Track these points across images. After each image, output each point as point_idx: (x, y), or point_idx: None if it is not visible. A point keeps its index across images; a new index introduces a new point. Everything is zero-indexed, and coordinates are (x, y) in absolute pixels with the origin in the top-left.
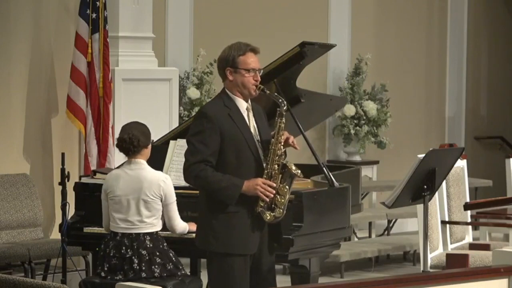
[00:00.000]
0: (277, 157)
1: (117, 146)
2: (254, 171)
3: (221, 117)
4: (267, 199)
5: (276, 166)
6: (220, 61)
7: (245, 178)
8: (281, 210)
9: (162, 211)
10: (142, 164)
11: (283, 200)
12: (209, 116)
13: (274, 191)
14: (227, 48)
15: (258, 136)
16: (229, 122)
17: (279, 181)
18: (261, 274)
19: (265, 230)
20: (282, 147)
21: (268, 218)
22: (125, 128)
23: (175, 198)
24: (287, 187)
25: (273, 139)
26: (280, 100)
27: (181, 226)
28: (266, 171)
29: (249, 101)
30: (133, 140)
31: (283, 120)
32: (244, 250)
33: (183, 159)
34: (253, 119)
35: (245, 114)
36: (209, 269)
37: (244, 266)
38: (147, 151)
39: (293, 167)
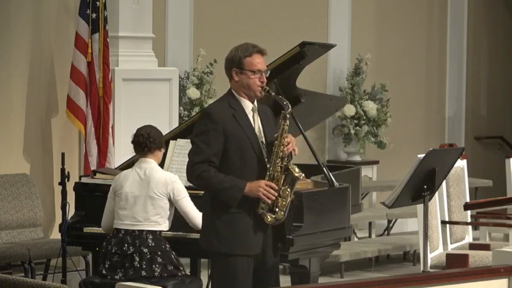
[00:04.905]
0: (279, 160)
1: (133, 142)
2: (258, 172)
3: (225, 118)
4: (269, 201)
5: (279, 168)
6: (227, 61)
7: (248, 179)
8: (283, 213)
9: (170, 212)
10: (152, 163)
11: (284, 203)
12: (213, 117)
13: (276, 194)
14: (234, 49)
15: (263, 137)
16: (233, 123)
17: (281, 184)
18: (264, 274)
19: (269, 231)
20: (285, 149)
21: (269, 220)
22: (141, 127)
23: (186, 194)
24: (288, 189)
25: (276, 141)
26: (284, 103)
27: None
28: (268, 173)
29: (255, 102)
30: (150, 136)
31: (287, 122)
32: (246, 251)
33: (183, 159)
34: (259, 120)
35: (250, 115)
36: (212, 269)
37: (247, 266)
38: (159, 154)
39: (296, 170)
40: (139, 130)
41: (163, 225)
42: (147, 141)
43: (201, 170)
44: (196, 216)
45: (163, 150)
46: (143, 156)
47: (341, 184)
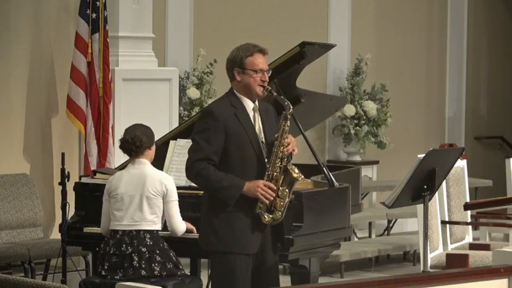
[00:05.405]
0: (279, 160)
1: (120, 147)
2: (257, 171)
3: (226, 116)
4: (267, 202)
5: (278, 168)
6: (228, 61)
7: (248, 178)
8: (280, 213)
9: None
10: (145, 164)
11: (282, 203)
12: (214, 115)
13: (274, 194)
14: (235, 49)
15: (263, 137)
16: (235, 122)
17: (279, 184)
18: (264, 273)
19: (268, 231)
20: (285, 150)
21: (266, 220)
22: (128, 129)
23: (176, 198)
24: (287, 190)
25: (276, 142)
26: (286, 103)
27: (182, 227)
28: (267, 173)
29: (257, 101)
30: (136, 140)
31: (288, 123)
32: (244, 250)
33: (183, 159)
34: (259, 119)
35: (251, 114)
36: (211, 268)
37: (245, 265)
38: (150, 152)
39: (295, 171)
40: (124, 134)
41: (158, 225)
42: (132, 146)
43: (200, 167)
44: (179, 223)
45: (153, 148)
46: (134, 157)
47: (341, 184)
